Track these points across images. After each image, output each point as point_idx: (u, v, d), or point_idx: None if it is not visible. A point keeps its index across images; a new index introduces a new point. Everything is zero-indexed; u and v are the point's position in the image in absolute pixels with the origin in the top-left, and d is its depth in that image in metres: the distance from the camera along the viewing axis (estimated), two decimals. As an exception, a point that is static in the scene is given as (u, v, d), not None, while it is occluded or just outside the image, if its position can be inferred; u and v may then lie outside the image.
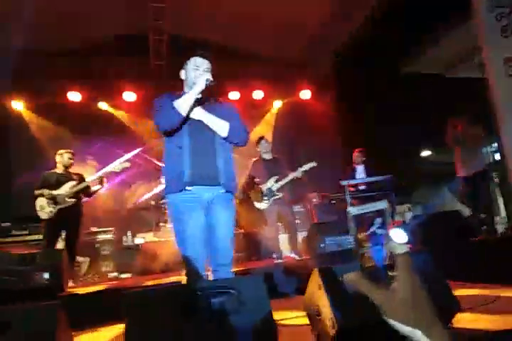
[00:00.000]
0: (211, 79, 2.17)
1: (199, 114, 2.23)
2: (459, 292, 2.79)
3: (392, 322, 0.64)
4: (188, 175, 2.13)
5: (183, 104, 2.14)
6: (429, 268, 2.12)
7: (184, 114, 2.14)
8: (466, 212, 5.30)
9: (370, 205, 0.95)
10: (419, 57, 7.82)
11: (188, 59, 2.31)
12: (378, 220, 0.96)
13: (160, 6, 6.01)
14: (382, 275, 0.69)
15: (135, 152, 5.95)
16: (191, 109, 2.18)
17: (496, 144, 5.35)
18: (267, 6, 6.36)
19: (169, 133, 2.21)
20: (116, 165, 4.39)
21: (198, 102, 2.22)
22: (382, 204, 0.93)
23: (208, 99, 2.30)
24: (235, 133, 2.24)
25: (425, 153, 9.36)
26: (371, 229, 0.94)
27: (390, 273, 0.71)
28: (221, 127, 2.23)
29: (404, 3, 6.06)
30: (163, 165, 2.30)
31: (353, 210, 0.91)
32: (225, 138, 2.24)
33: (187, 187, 2.13)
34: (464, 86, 7.99)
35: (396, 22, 6.53)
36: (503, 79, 4.42)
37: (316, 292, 2.06)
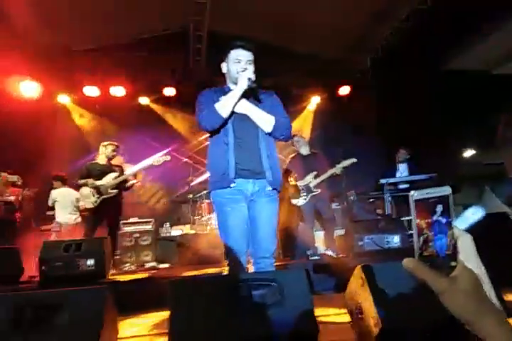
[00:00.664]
0: (253, 78, 2.12)
1: (244, 107, 2.19)
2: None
3: (451, 311, 0.62)
4: (233, 172, 2.12)
5: (224, 106, 2.11)
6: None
7: (226, 116, 2.12)
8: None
9: (433, 190, 0.92)
10: (464, 54, 7.52)
11: (229, 51, 2.23)
12: (440, 207, 0.93)
13: (202, 2, 6.07)
14: (443, 264, 0.66)
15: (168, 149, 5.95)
16: (234, 106, 2.16)
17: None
18: (307, 6, 6.30)
19: (213, 133, 2.20)
20: (156, 159, 4.49)
21: (241, 95, 2.18)
22: (446, 190, 0.90)
23: (251, 90, 2.23)
24: (279, 128, 2.20)
25: (469, 153, 8.97)
26: (434, 217, 0.91)
27: (451, 263, 0.68)
28: (266, 122, 2.18)
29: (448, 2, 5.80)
30: (208, 161, 2.28)
31: (415, 194, 0.89)
32: (268, 133, 2.21)
33: (232, 184, 2.12)
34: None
35: (440, 20, 6.28)
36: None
37: (359, 289, 2.02)
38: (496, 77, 8.14)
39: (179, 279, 1.74)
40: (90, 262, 3.19)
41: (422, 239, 0.70)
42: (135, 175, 4.69)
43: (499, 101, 7.52)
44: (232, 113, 2.17)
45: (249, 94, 2.23)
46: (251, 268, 2.27)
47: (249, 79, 2.11)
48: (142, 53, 7.15)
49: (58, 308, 1.61)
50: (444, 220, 0.72)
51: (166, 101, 7.33)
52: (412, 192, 0.71)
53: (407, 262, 0.66)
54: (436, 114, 7.51)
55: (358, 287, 2.06)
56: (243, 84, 2.11)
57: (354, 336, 1.96)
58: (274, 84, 7.73)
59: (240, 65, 2.20)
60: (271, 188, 2.19)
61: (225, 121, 2.15)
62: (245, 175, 2.15)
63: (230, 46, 2.24)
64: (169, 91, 7.23)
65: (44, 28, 5.91)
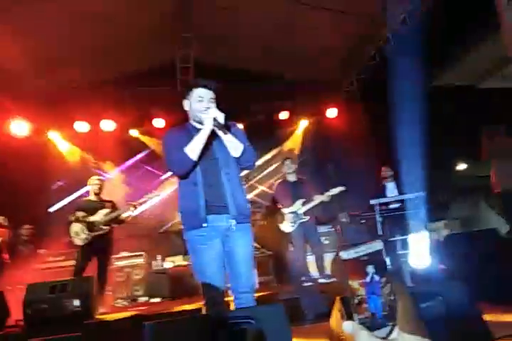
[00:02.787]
0: (218, 119, 2.15)
1: (216, 129, 2.20)
2: (495, 317, 2.63)
3: None
4: (203, 211, 2.13)
5: (193, 150, 2.14)
6: (459, 298, 2.03)
7: (196, 159, 2.15)
8: (506, 228, 5.03)
9: (364, 247, 0.92)
10: (449, 70, 7.69)
11: (191, 89, 2.27)
12: (371, 268, 0.92)
13: (187, 36, 6.24)
14: (381, 326, 0.66)
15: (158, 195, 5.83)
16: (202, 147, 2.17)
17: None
18: (292, 30, 6.48)
19: (184, 176, 2.21)
20: (149, 196, 4.53)
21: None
22: (377, 246, 0.90)
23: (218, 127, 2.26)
24: (247, 154, 2.24)
25: (461, 166, 9.03)
26: (367, 277, 0.90)
27: (388, 324, 0.68)
28: (237, 147, 2.21)
29: (432, 17, 5.99)
30: (179, 202, 2.26)
31: (344, 254, 0.88)
32: (236, 159, 2.23)
33: (204, 224, 2.13)
34: (498, 96, 7.76)
35: (424, 36, 6.47)
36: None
37: (339, 322, 1.99)
38: (482, 91, 8.31)
39: (151, 323, 1.72)
40: (76, 303, 3.15)
41: (356, 300, 0.70)
42: (134, 207, 4.65)
43: (486, 114, 7.64)
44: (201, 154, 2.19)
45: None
46: (232, 304, 2.25)
47: (215, 119, 2.15)
48: (131, 87, 7.30)
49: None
50: (377, 279, 0.73)
51: (156, 133, 7.41)
52: (340, 254, 0.72)
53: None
54: (427, 129, 7.60)
55: (338, 319, 2.04)
56: (209, 126, 2.15)
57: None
58: (262, 109, 7.90)
59: (202, 104, 2.23)
60: (236, 223, 2.18)
61: (195, 163, 2.17)
62: (217, 210, 2.16)
63: (193, 85, 2.29)
64: (158, 123, 7.33)
65: (33, 68, 6.08)
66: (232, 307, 2.22)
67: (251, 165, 2.32)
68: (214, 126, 2.16)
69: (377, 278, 0.69)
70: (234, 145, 2.21)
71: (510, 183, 4.82)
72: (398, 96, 7.24)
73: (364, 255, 0.71)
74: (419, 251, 3.82)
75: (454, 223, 7.57)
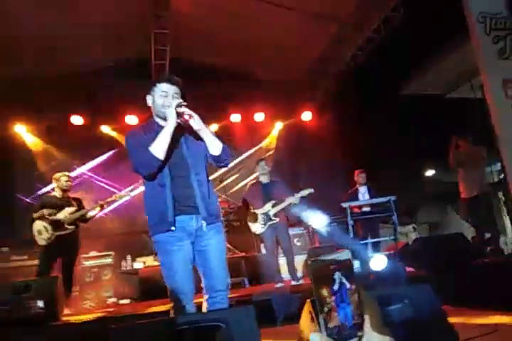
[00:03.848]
0: (182, 110, 2.04)
1: (198, 125, 2.10)
2: (460, 319, 2.72)
3: None
4: (171, 214, 2.06)
5: (159, 148, 2.03)
6: (426, 301, 2.07)
7: (162, 157, 2.04)
8: (471, 232, 5.22)
9: (331, 256, 0.93)
10: (419, 79, 7.90)
11: (155, 84, 2.18)
12: (338, 274, 0.92)
13: (163, 32, 6.16)
14: (350, 336, 0.66)
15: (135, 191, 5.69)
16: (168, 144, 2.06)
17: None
18: (268, 31, 6.51)
19: (151, 177, 2.11)
20: (118, 194, 4.43)
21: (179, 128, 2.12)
22: (344, 255, 0.91)
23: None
24: (225, 152, 2.18)
25: (430, 172, 9.31)
26: (335, 285, 0.90)
27: (357, 334, 0.68)
28: (216, 144, 2.13)
29: (403, 27, 6.15)
30: (145, 204, 2.17)
31: (312, 264, 0.89)
32: (215, 156, 2.16)
33: (172, 228, 2.05)
34: (466, 106, 8.04)
35: (395, 45, 6.62)
36: (501, 101, 4.44)
37: (309, 325, 2.00)
38: (450, 100, 8.58)
39: (117, 327, 1.67)
40: (40, 304, 3.04)
41: (326, 309, 0.69)
42: (101, 206, 4.51)
43: (454, 123, 7.89)
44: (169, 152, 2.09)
45: (183, 127, 2.20)
46: (203, 305, 2.21)
47: (179, 104, 2.05)
48: (104, 81, 7.13)
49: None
50: (345, 287, 0.72)
51: (127, 130, 7.24)
52: (309, 262, 0.72)
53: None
54: (397, 135, 7.79)
55: (307, 322, 2.05)
56: (173, 120, 2.05)
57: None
58: (237, 110, 7.89)
59: (167, 99, 2.14)
60: (211, 224, 2.14)
61: (163, 163, 2.08)
62: (187, 211, 2.10)
63: (156, 80, 2.21)
64: (131, 120, 7.19)
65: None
66: (204, 307, 2.18)
67: (226, 163, 2.24)
68: (179, 120, 2.07)
69: (346, 285, 0.69)
70: (213, 141, 2.13)
71: (475, 190, 5.01)
72: (371, 102, 7.41)
73: (332, 263, 0.71)
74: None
75: (423, 227, 7.81)
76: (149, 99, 2.22)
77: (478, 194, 4.98)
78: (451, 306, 2.90)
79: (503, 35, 4.61)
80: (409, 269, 3.97)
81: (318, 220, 5.10)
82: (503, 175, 5.02)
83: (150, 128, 2.20)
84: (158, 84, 2.17)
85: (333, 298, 0.70)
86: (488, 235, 4.97)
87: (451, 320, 2.21)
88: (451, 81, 8.04)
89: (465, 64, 6.55)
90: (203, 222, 2.12)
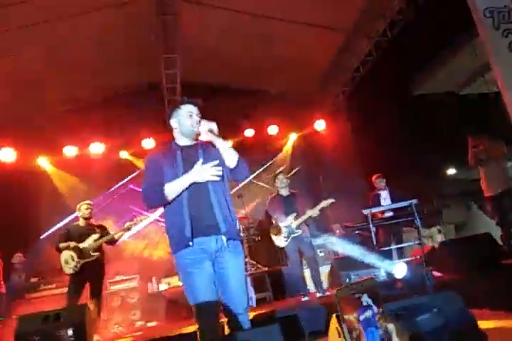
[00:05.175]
0: (213, 129, 2.20)
1: (213, 138, 2.22)
2: (498, 323, 2.61)
3: None
4: (189, 231, 2.09)
5: (174, 190, 2.12)
6: (453, 308, 2.03)
7: (171, 199, 2.12)
8: (498, 231, 5.04)
9: (359, 284, 0.92)
10: (431, 78, 7.83)
11: (178, 107, 2.29)
12: (365, 296, 0.91)
13: (172, 57, 6.30)
14: None
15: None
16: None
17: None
18: (277, 46, 6.59)
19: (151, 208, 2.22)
20: (139, 218, 4.49)
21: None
22: (370, 283, 0.90)
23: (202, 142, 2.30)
24: (242, 164, 2.22)
25: (451, 171, 9.11)
26: (362, 312, 0.89)
27: None
28: (232, 155, 2.20)
29: (410, 29, 6.12)
30: (166, 224, 2.23)
31: (338, 293, 0.88)
32: (232, 169, 2.21)
33: (190, 243, 2.08)
34: (481, 102, 7.90)
35: (403, 48, 6.61)
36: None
37: (337, 339, 1.96)
38: (463, 97, 8.46)
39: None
40: (70, 332, 3.08)
41: (354, 335, 0.69)
42: (128, 229, 4.57)
43: (469, 119, 7.75)
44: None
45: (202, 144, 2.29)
46: (226, 328, 2.20)
47: (210, 130, 2.20)
48: (119, 109, 7.31)
49: None
50: (372, 312, 0.72)
51: (146, 153, 7.34)
52: (334, 291, 0.71)
53: None
54: (413, 137, 7.69)
55: (336, 337, 2.00)
56: (203, 174, 2.11)
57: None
58: (252, 125, 7.94)
59: (193, 119, 2.25)
60: (226, 239, 2.14)
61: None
62: (206, 232, 2.12)
63: (180, 102, 2.32)
64: (148, 144, 7.34)
65: (17, 95, 6.09)
66: (226, 329, 2.17)
67: (242, 177, 2.28)
68: (211, 135, 2.20)
69: (373, 308, 0.70)
70: (229, 153, 2.20)
71: (499, 187, 4.86)
72: (383, 107, 7.36)
73: (358, 288, 0.71)
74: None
75: (448, 228, 7.60)
76: (174, 122, 2.30)
77: (502, 191, 4.83)
78: (488, 309, 2.80)
79: (512, 28, 4.52)
80: (437, 274, 3.86)
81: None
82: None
83: (170, 151, 2.26)
84: (182, 106, 2.29)
85: (361, 322, 0.70)
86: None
87: (488, 324, 2.14)
88: (463, 78, 7.95)
89: (476, 60, 6.48)
90: (223, 237, 2.13)
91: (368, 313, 0.73)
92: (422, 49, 6.72)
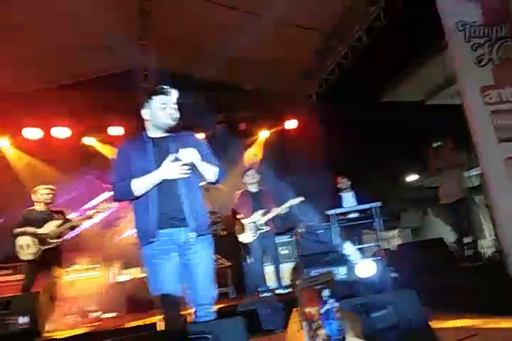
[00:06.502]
0: (194, 161, 2.09)
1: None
2: (442, 323, 2.77)
3: None
4: (156, 224, 2.08)
5: (141, 187, 2.09)
6: (410, 306, 2.12)
7: (139, 194, 2.10)
8: (453, 237, 5.31)
9: (318, 277, 0.96)
10: (400, 87, 8.09)
11: (151, 97, 2.19)
12: (327, 291, 0.95)
13: (147, 44, 6.17)
14: None
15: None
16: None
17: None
18: (253, 41, 6.57)
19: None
20: (102, 206, 4.34)
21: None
22: (328, 275, 0.94)
23: (175, 130, 2.23)
24: (221, 175, 2.23)
25: (411, 178, 9.47)
26: (325, 306, 0.93)
27: None
28: (212, 173, 2.19)
29: (384, 36, 6.31)
30: (134, 217, 2.20)
31: (299, 284, 0.91)
32: (211, 182, 2.22)
33: (155, 239, 2.08)
34: (445, 112, 8.24)
35: (376, 54, 6.79)
36: (480, 107, 4.55)
37: (296, 333, 2.02)
38: (430, 107, 8.79)
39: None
40: (23, 320, 2.98)
41: (313, 327, 0.73)
42: (90, 217, 4.38)
43: (434, 128, 8.07)
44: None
45: (173, 135, 2.24)
46: (191, 318, 2.21)
47: (191, 164, 2.10)
48: (88, 93, 7.07)
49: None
50: (332, 305, 0.76)
51: (112, 141, 7.16)
52: (297, 282, 0.75)
53: None
54: (378, 142, 7.92)
55: (295, 332, 2.06)
56: (171, 172, 2.08)
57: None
58: (224, 119, 7.92)
59: (166, 111, 2.16)
60: (196, 235, 2.14)
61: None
62: (174, 224, 2.11)
63: (152, 93, 2.21)
64: (117, 131, 7.14)
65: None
66: (191, 319, 2.19)
67: (218, 182, 2.28)
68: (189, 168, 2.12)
69: (332, 302, 0.74)
70: (209, 171, 2.18)
71: (456, 195, 5.12)
72: (353, 110, 7.55)
73: (319, 282, 0.75)
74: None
75: (405, 232, 7.92)
76: (146, 113, 2.22)
77: (458, 199, 5.08)
78: (433, 310, 2.96)
79: (481, 42, 4.73)
80: (394, 275, 4.03)
81: None
82: (481, 180, 5.14)
83: (141, 144, 2.22)
84: (154, 97, 2.19)
85: (320, 315, 0.74)
86: (468, 239, 5.08)
87: (434, 324, 2.27)
88: (430, 88, 8.25)
89: (443, 72, 6.75)
90: (191, 234, 2.12)
91: (328, 306, 0.77)
92: (395, 57, 6.93)
